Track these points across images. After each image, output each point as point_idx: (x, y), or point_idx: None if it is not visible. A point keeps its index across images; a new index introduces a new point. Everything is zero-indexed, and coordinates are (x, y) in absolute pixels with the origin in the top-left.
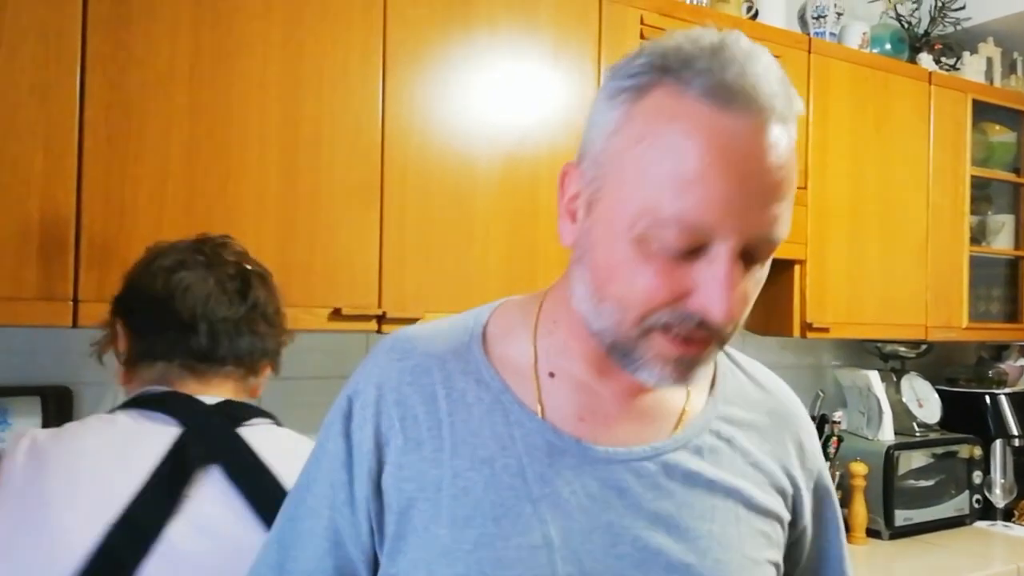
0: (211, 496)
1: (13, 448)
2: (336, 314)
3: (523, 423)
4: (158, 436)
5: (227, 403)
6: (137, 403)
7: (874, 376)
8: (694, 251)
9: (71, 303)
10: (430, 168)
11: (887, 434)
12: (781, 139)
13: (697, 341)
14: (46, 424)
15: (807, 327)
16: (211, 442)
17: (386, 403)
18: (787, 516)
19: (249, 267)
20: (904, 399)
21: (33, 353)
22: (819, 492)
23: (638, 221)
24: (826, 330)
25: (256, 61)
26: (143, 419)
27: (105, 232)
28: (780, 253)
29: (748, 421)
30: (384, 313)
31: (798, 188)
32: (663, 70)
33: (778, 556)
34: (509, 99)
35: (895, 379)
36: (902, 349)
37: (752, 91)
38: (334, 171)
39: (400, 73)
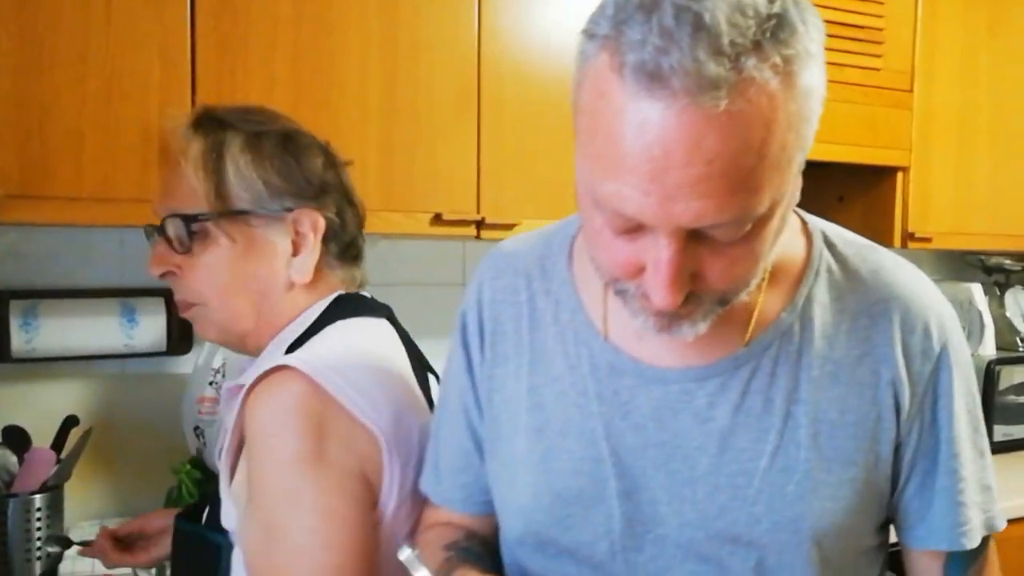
0: None
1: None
2: (437, 219)
3: (589, 343)
4: (393, 341)
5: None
6: (368, 310)
7: (976, 289)
8: (643, 229)
9: None
10: (526, 74)
11: (988, 348)
12: (716, 125)
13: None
14: (170, 322)
15: (908, 237)
16: (419, 353)
17: (484, 320)
18: (887, 418)
19: None
20: (1008, 313)
21: None
22: (937, 375)
23: (587, 192)
24: (928, 240)
25: None
26: (373, 324)
27: None
28: (880, 160)
29: (835, 325)
30: (483, 219)
31: (903, 91)
32: (615, 27)
33: (862, 471)
34: None
35: (998, 293)
36: (1007, 262)
37: (678, 72)
38: (433, 78)
39: None
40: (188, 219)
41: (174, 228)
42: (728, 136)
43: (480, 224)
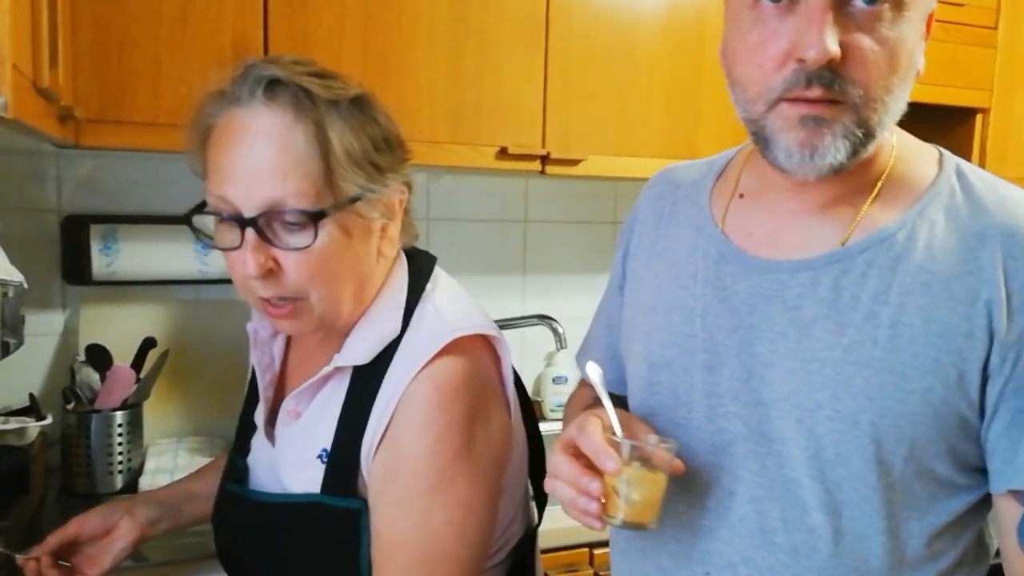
0: None
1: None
2: (503, 153)
3: (706, 235)
4: None
5: None
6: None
7: None
8: (792, 4)
9: None
10: (594, 8)
11: None
12: None
13: (820, 102)
14: None
15: None
16: None
17: (637, 220)
18: (979, 338)
19: None
20: None
21: None
22: None
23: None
24: None
25: None
26: None
27: None
28: (959, 100)
29: (942, 241)
30: (548, 153)
31: (987, 28)
32: None
33: (939, 384)
34: None
35: None
36: None
37: None
38: (501, 8)
39: None
40: (313, 216)
41: (285, 225)
42: None
43: (545, 159)
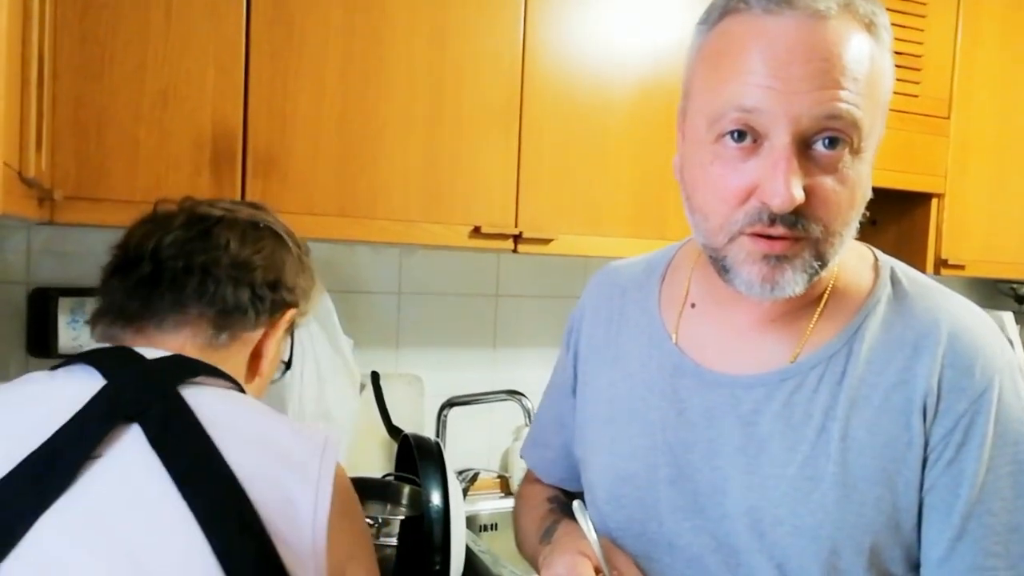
0: (126, 458)
1: None
2: (476, 232)
3: (660, 346)
4: (74, 391)
5: (174, 358)
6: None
7: (1008, 318)
8: (755, 146)
9: None
10: (567, 91)
11: None
12: (831, 35)
13: (780, 239)
14: None
15: (941, 264)
16: (137, 398)
17: (584, 323)
18: (918, 444)
19: (219, 214)
20: None
21: None
22: (973, 417)
23: (710, 124)
24: (962, 267)
25: None
26: (64, 374)
27: (269, 144)
28: (915, 185)
29: (880, 352)
30: (521, 233)
31: (940, 118)
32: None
33: (889, 493)
34: (644, 24)
35: None
36: None
37: (797, 2)
38: (477, 93)
39: None
40: None
41: None
42: (841, 42)
43: (518, 238)
